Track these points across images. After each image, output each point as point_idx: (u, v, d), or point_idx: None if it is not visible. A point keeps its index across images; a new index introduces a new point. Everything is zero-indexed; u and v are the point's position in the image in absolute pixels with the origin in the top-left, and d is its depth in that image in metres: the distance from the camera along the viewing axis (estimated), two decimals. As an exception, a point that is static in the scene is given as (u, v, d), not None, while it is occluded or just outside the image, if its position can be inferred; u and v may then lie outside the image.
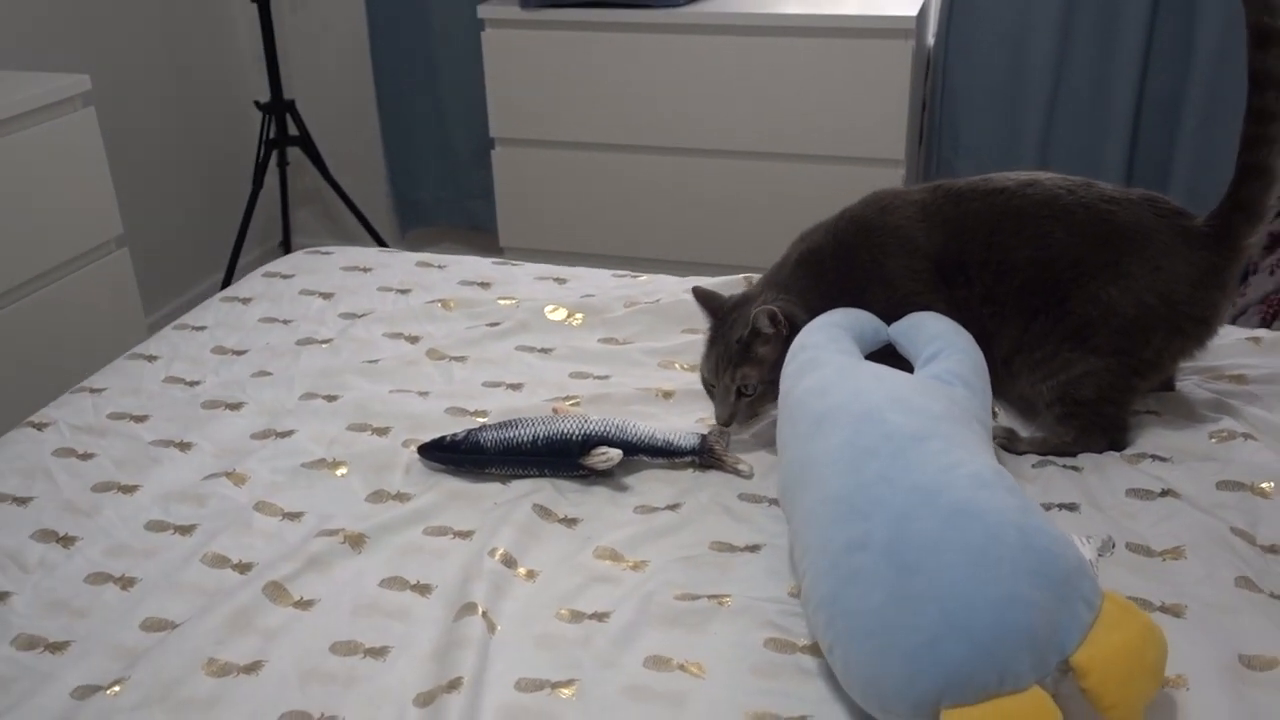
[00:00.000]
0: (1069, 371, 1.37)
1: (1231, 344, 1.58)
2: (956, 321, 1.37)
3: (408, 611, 1.17)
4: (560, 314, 1.76)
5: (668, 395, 1.55)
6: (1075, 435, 1.39)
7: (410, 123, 3.41)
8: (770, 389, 1.39)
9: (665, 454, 1.39)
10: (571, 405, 1.52)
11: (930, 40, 2.88)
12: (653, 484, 1.38)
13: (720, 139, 2.78)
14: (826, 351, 1.27)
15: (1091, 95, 2.77)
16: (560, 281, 1.89)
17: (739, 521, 1.30)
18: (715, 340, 1.46)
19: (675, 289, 1.80)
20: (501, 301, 1.81)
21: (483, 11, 2.83)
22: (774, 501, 1.33)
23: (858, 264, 1.45)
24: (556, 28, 2.78)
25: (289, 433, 1.48)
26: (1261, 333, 1.61)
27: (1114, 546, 1.13)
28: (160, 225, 3.17)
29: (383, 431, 1.48)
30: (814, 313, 1.41)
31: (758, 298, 1.46)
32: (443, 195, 3.51)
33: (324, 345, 1.71)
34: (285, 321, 1.79)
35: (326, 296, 1.85)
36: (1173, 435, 1.40)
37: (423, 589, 1.20)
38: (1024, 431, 1.44)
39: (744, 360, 1.40)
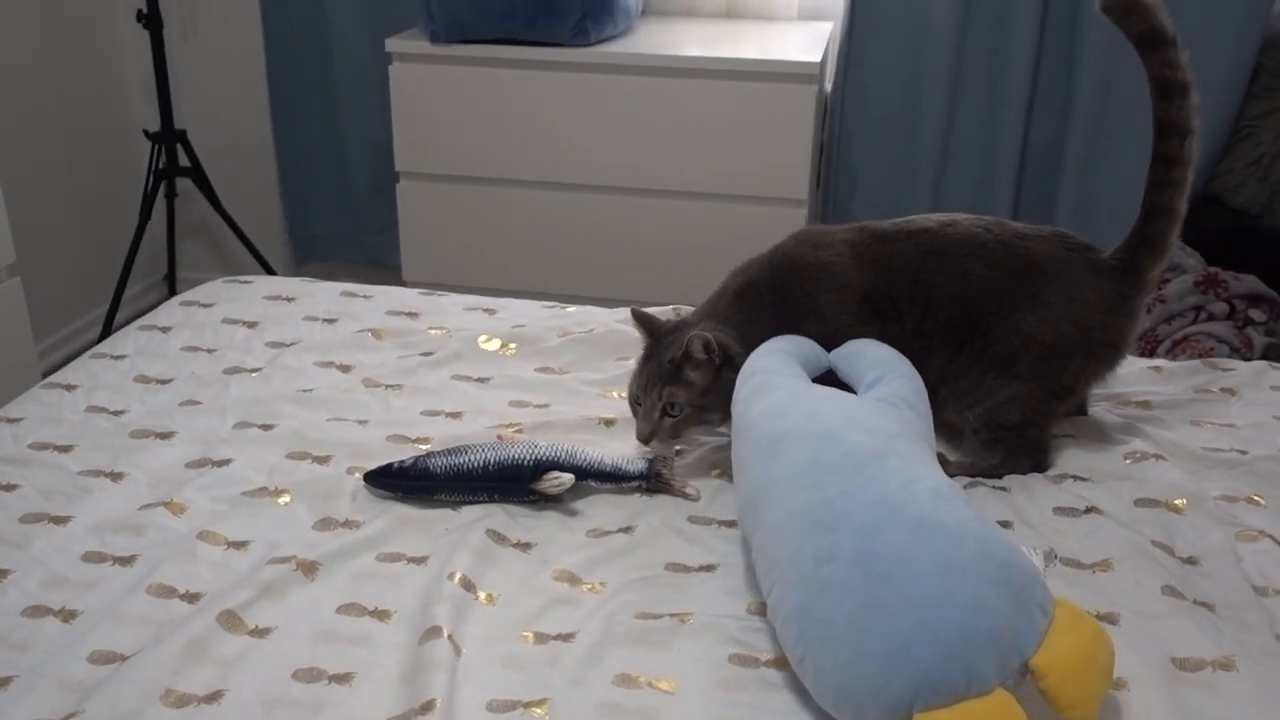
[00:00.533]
0: (994, 398, 1.45)
1: (1135, 373, 1.69)
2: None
3: (369, 637, 1.16)
4: (494, 344, 1.77)
5: (609, 423, 1.57)
6: (1001, 458, 1.46)
7: (308, 155, 3.37)
8: (694, 414, 1.44)
9: (614, 479, 1.42)
10: (515, 433, 1.52)
11: (828, 86, 2.99)
12: (603, 508, 1.39)
13: (628, 177, 2.83)
14: (778, 375, 1.31)
15: (981, 141, 2.92)
16: (490, 312, 1.90)
17: (692, 543, 1.32)
18: (648, 359, 1.49)
19: (607, 319, 1.83)
20: (432, 331, 1.81)
21: (391, 45, 2.83)
22: (725, 523, 1.36)
23: (792, 298, 1.51)
24: (465, 63, 2.80)
25: (225, 461, 1.45)
26: (1161, 362, 1.72)
27: (1057, 557, 1.19)
28: (49, 255, 3.05)
29: (323, 460, 1.47)
30: (750, 344, 1.45)
31: (695, 325, 1.50)
32: (340, 229, 3.47)
33: (253, 374, 1.68)
34: (209, 350, 1.75)
35: (251, 325, 1.82)
36: (1090, 457, 1.49)
37: (382, 614, 1.19)
38: (951, 456, 1.51)
39: (674, 380, 1.44)
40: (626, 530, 1.34)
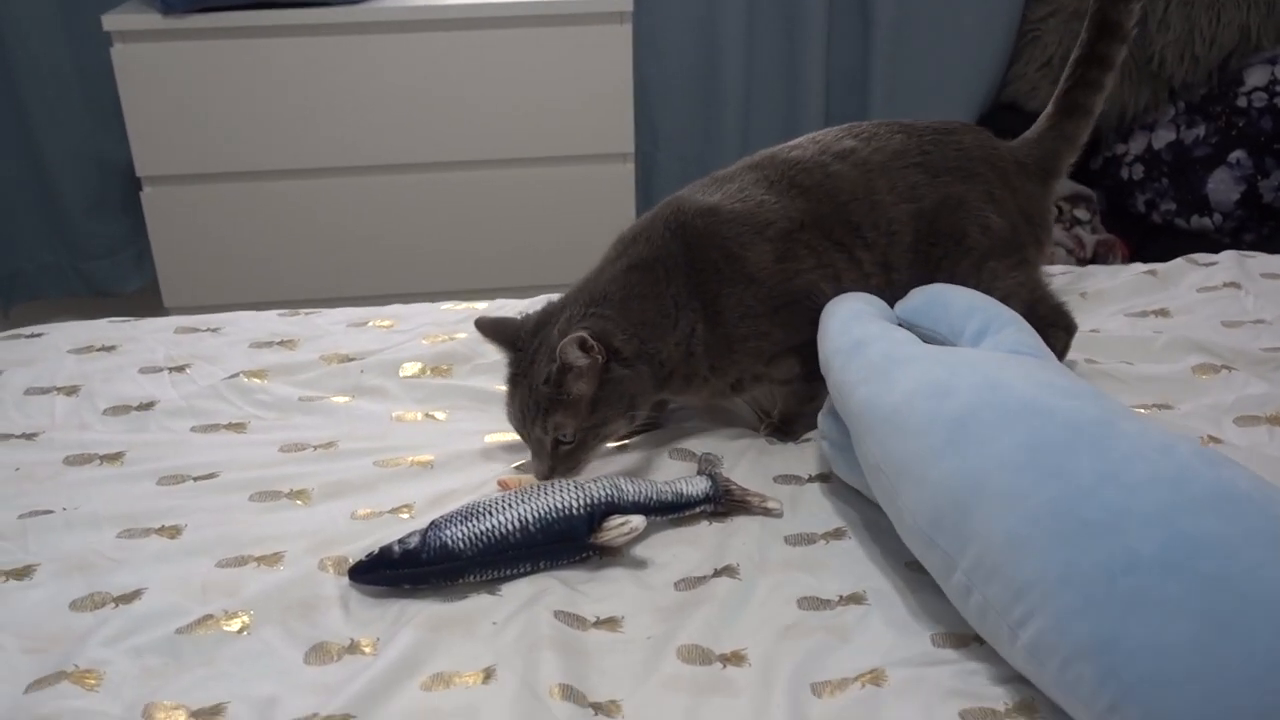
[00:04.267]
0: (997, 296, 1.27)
1: (1131, 280, 1.56)
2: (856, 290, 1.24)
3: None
4: (415, 368, 1.38)
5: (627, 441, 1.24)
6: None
7: (-5, 174, 2.70)
8: (592, 434, 1.15)
9: (677, 508, 1.10)
10: (521, 476, 1.17)
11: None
12: (672, 548, 1.08)
13: (429, 151, 2.43)
14: (898, 343, 1.05)
15: (784, 77, 2.77)
16: (386, 327, 1.49)
17: (812, 572, 1.04)
18: (517, 380, 1.18)
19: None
20: (328, 364, 1.39)
21: (110, 22, 2.27)
22: (830, 535, 1.09)
23: (705, 265, 1.22)
24: (211, 35, 2.29)
25: (132, 594, 1.01)
26: (1155, 266, 1.61)
27: None
28: None
29: (273, 559, 1.05)
30: (644, 326, 1.17)
31: (561, 315, 1.18)
32: (49, 261, 2.84)
33: (112, 461, 1.21)
34: (28, 436, 1.25)
35: (70, 392, 1.33)
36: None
37: (479, 771, 0.83)
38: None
39: (555, 406, 1.13)
40: (727, 572, 1.04)
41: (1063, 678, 0.81)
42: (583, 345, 1.11)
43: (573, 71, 2.40)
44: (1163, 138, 2.71)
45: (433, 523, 1.03)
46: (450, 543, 1.00)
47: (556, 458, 1.15)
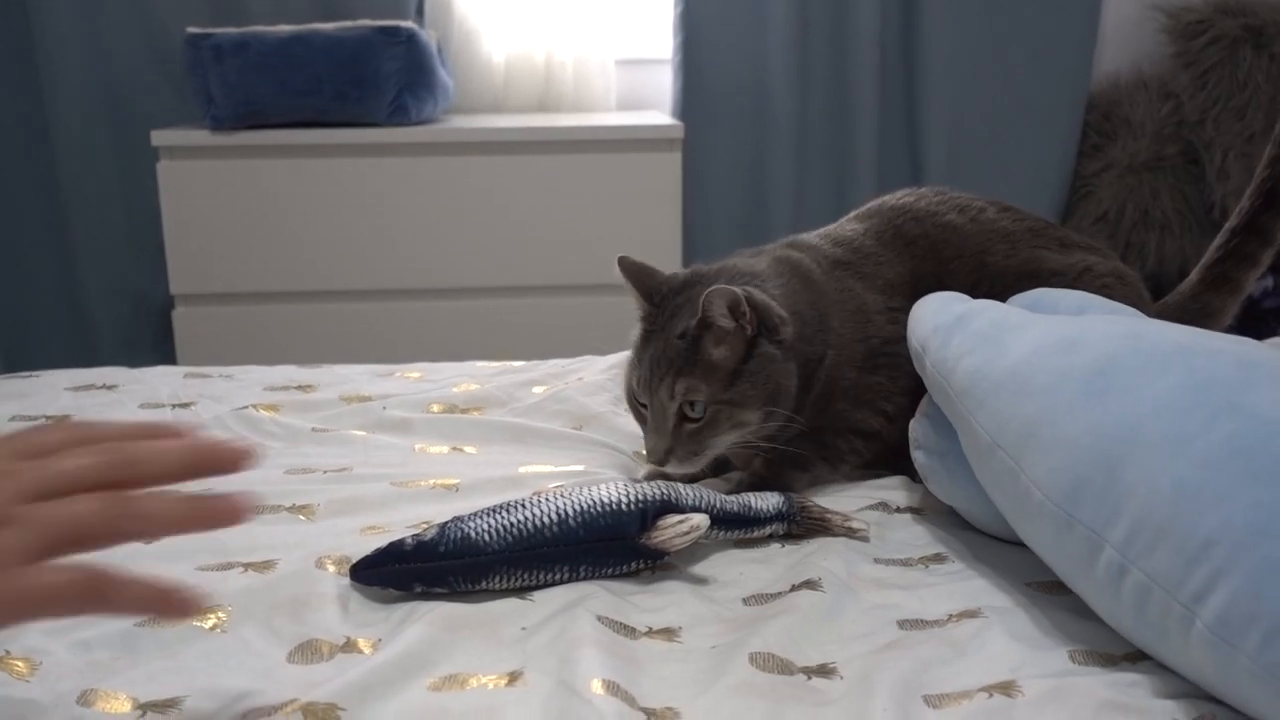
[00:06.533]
0: None
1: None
2: None
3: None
4: (443, 405, 1.24)
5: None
6: None
7: (29, 305, 2.64)
8: (725, 413, 0.98)
9: (744, 523, 0.92)
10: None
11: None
12: (740, 565, 0.90)
13: (477, 276, 2.35)
14: (1007, 313, 0.90)
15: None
16: (415, 378, 1.35)
17: (911, 590, 0.85)
18: (649, 336, 1.02)
19: (597, 366, 1.35)
20: (347, 403, 1.25)
21: (159, 138, 2.25)
22: (930, 560, 0.90)
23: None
24: (258, 154, 2.27)
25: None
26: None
27: None
28: None
29: (264, 566, 0.88)
30: (800, 322, 1.02)
31: (714, 277, 1.03)
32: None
33: (90, 473, 1.06)
34: (3, 454, 1.11)
35: (60, 421, 1.19)
36: None
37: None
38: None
39: (689, 366, 0.97)
40: (808, 586, 0.85)
41: (1265, 658, 0.62)
42: (733, 305, 0.96)
43: (627, 196, 2.35)
44: (1230, 288, 2.59)
45: (457, 516, 0.86)
46: (474, 534, 0.83)
47: (679, 437, 0.98)
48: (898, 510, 1.00)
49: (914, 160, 2.76)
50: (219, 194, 2.27)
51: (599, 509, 0.85)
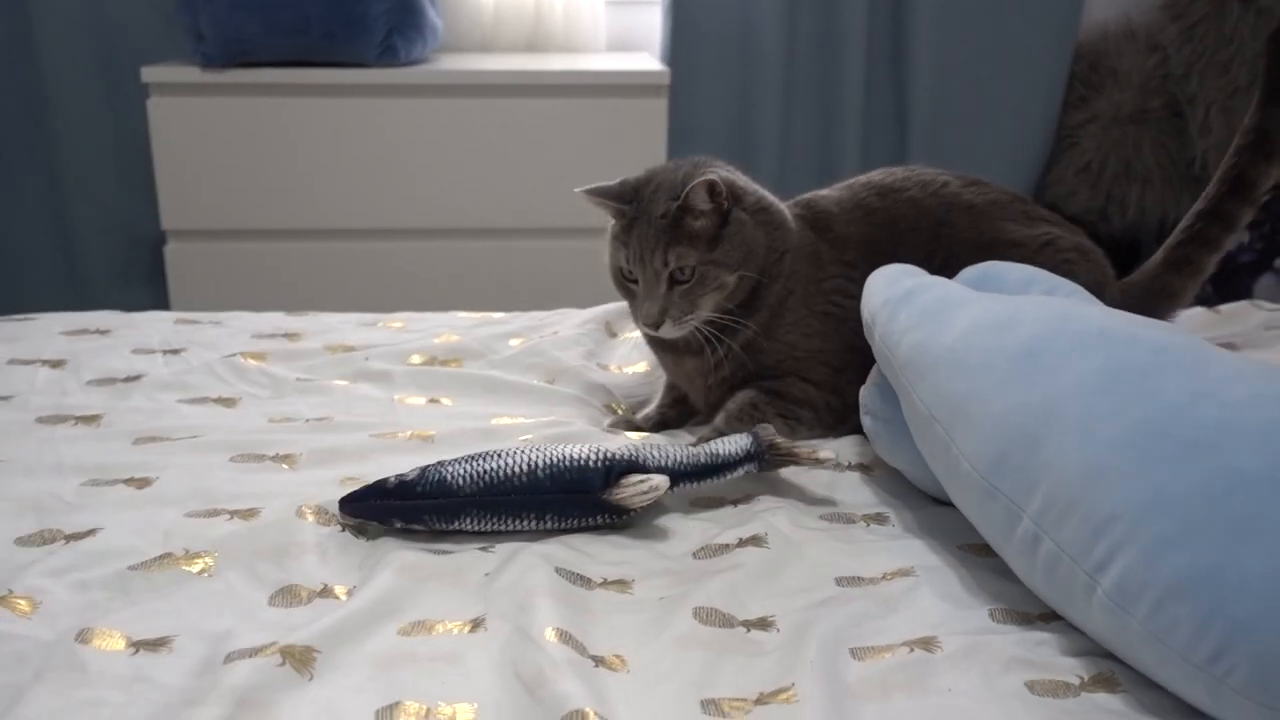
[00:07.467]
0: None
1: (1191, 315, 1.46)
2: None
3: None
4: (423, 358, 1.29)
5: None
6: None
7: (22, 234, 2.67)
8: (710, 274, 1.11)
9: (713, 471, 0.98)
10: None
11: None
12: (683, 521, 0.96)
13: (462, 217, 2.39)
14: (948, 289, 0.95)
15: (815, 173, 2.74)
16: (398, 327, 1.41)
17: (850, 544, 0.92)
18: (633, 223, 1.12)
19: (573, 320, 1.40)
20: (332, 353, 1.30)
21: (149, 75, 2.27)
22: (872, 519, 0.97)
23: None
24: (248, 92, 2.29)
25: (86, 532, 0.90)
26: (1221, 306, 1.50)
27: None
28: None
29: (248, 513, 0.94)
30: (762, 207, 1.17)
31: (680, 169, 1.16)
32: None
33: (88, 422, 1.11)
34: (2, 398, 1.16)
35: (56, 365, 1.24)
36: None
37: (453, 714, 0.70)
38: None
39: (676, 237, 1.09)
40: (754, 542, 0.91)
41: (1154, 624, 0.68)
42: (711, 190, 1.09)
43: (612, 141, 2.38)
44: (1207, 242, 2.63)
45: (438, 461, 0.93)
46: (450, 478, 0.90)
47: (671, 299, 1.10)
48: (849, 467, 1.07)
49: (899, 107, 2.77)
50: (208, 131, 2.30)
51: (566, 464, 0.91)
